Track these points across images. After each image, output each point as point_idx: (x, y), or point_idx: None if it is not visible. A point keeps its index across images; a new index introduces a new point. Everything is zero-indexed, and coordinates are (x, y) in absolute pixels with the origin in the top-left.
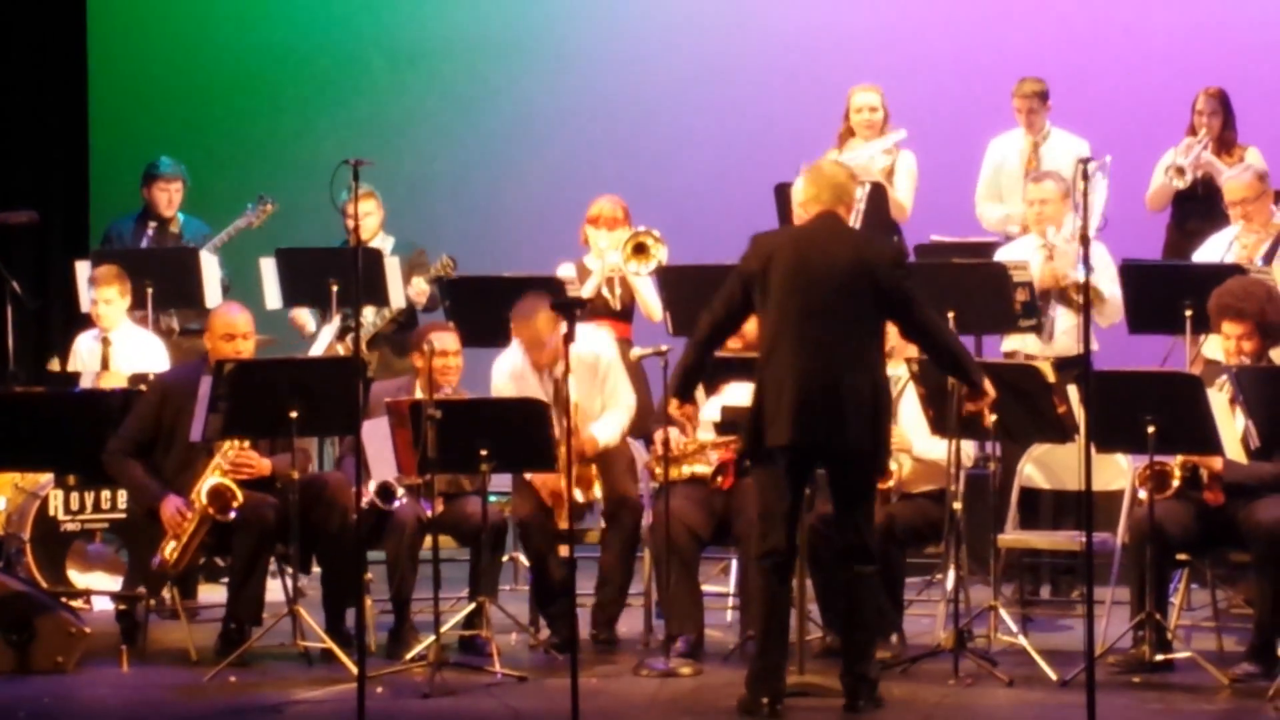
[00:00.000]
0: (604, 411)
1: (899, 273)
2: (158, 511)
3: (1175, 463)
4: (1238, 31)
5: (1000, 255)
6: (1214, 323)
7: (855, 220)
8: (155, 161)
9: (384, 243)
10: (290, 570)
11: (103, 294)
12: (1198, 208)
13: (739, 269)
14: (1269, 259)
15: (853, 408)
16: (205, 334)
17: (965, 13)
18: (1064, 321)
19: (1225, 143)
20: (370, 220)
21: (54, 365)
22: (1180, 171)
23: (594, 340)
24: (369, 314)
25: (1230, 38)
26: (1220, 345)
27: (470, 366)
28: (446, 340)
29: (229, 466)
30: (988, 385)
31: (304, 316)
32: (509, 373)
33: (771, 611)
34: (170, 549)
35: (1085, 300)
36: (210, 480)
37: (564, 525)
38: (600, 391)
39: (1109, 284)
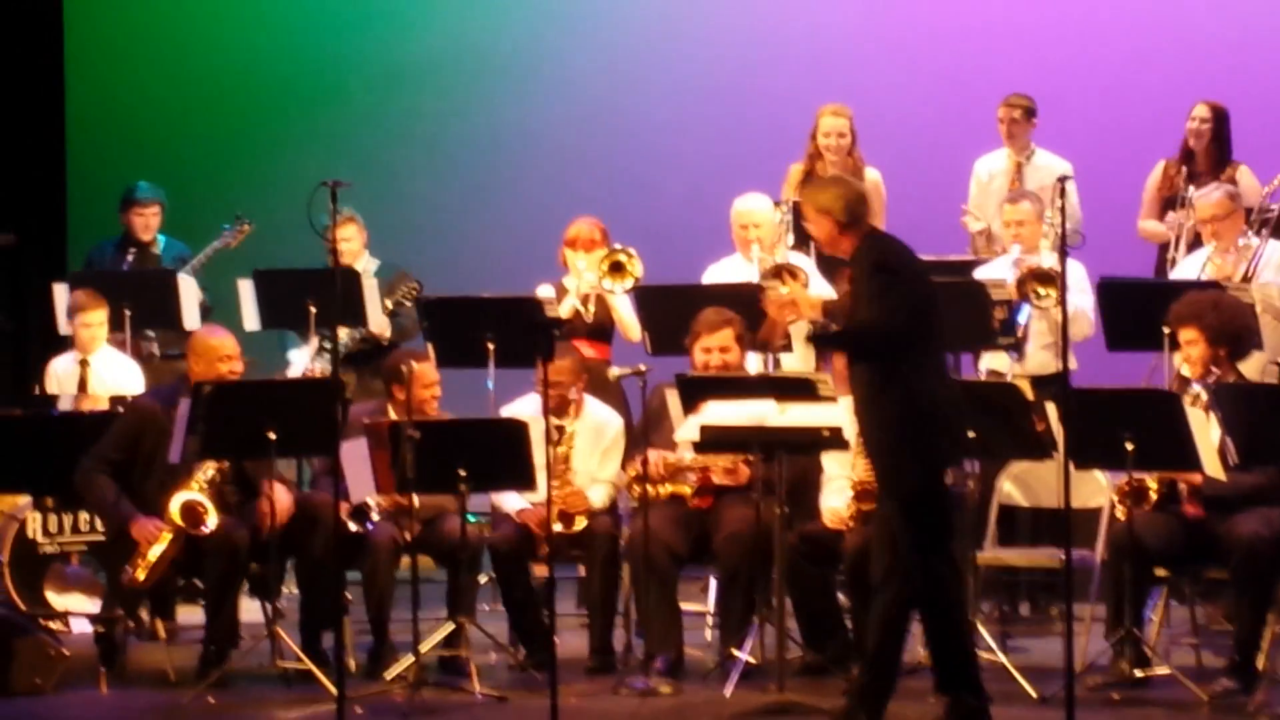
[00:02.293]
0: (593, 482)
1: None
2: (129, 532)
3: (1153, 478)
4: (1225, 49)
5: (978, 275)
6: (1175, 336)
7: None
8: (132, 186)
9: (368, 265)
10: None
11: (87, 318)
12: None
13: (920, 290)
14: (1247, 278)
15: None
16: (190, 357)
17: (948, 30)
18: (1038, 339)
19: (1217, 158)
20: (352, 245)
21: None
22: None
23: (607, 411)
24: (341, 334)
25: (1217, 55)
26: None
27: (448, 387)
28: (429, 371)
29: (205, 485)
30: None
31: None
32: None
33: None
34: (140, 565)
35: (1063, 317)
36: (183, 495)
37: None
38: (598, 456)
39: (1080, 295)
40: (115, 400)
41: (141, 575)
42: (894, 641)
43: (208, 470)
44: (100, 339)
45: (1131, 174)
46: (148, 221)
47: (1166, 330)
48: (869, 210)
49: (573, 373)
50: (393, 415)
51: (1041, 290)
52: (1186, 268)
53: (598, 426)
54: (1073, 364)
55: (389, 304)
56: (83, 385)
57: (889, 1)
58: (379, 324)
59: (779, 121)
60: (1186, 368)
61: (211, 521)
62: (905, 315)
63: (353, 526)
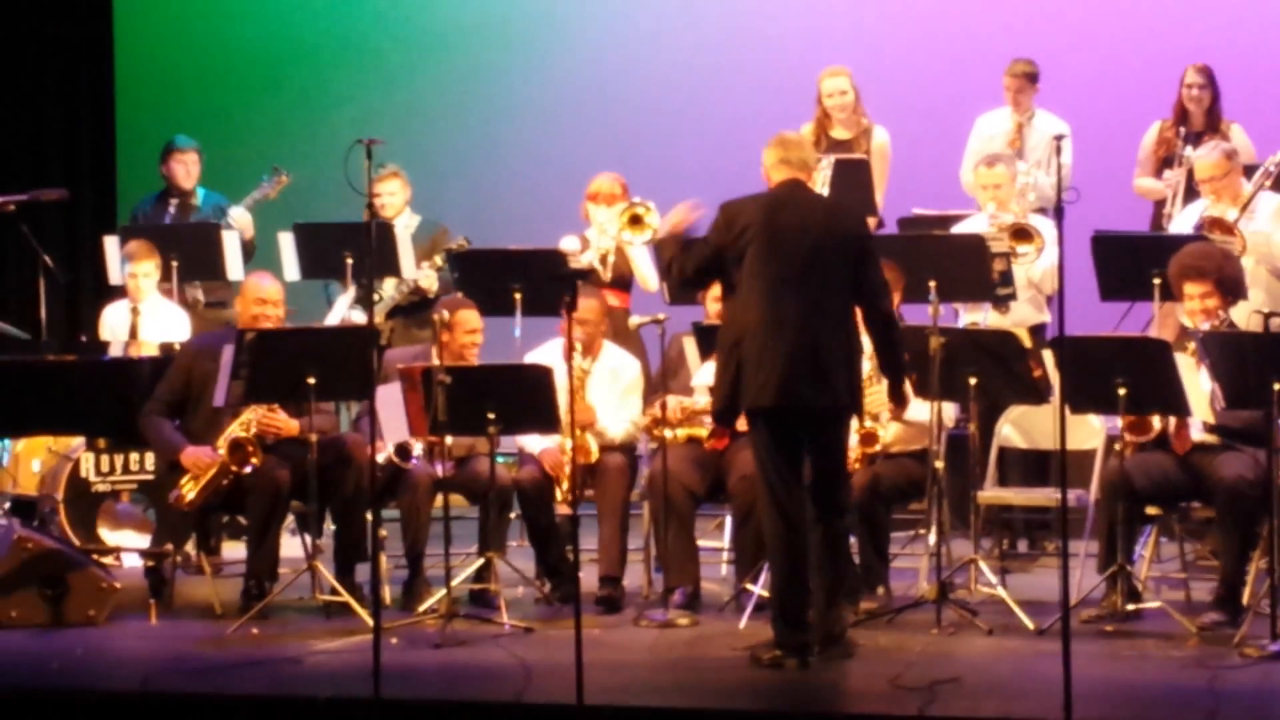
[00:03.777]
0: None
1: (868, 241)
2: (178, 462)
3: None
4: (1216, 10)
5: (954, 230)
6: (1175, 287)
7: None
8: (171, 139)
9: (410, 221)
10: (308, 527)
11: (139, 268)
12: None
13: (713, 238)
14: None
15: (834, 369)
16: (237, 300)
17: None
18: (1019, 293)
19: (1211, 119)
20: (395, 199)
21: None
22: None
23: (625, 356)
24: (389, 286)
25: (1208, 16)
26: (1185, 310)
27: None
28: (471, 318)
29: (255, 425)
30: (907, 390)
31: None
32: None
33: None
34: (188, 487)
35: (1060, 270)
36: (233, 433)
37: (565, 488)
38: (615, 396)
39: (1052, 249)
40: (164, 347)
41: (189, 494)
42: (828, 567)
43: (257, 410)
44: (149, 288)
45: (1125, 134)
46: (188, 168)
47: (1157, 281)
48: (798, 166)
49: (599, 312)
50: (434, 356)
51: (1019, 247)
52: (1182, 221)
53: (614, 369)
54: (1046, 316)
55: (439, 260)
56: (133, 332)
57: None
58: (423, 277)
59: (795, 79)
60: (1188, 318)
61: (256, 459)
62: (694, 251)
63: (397, 460)
